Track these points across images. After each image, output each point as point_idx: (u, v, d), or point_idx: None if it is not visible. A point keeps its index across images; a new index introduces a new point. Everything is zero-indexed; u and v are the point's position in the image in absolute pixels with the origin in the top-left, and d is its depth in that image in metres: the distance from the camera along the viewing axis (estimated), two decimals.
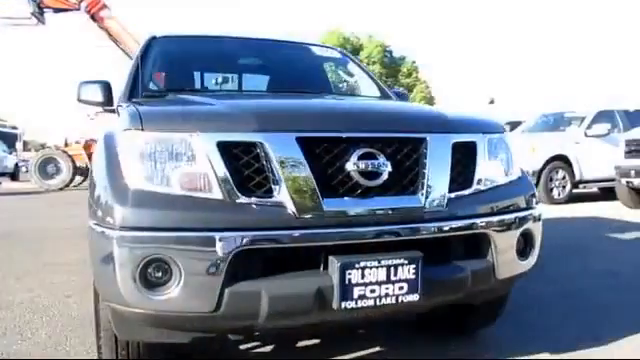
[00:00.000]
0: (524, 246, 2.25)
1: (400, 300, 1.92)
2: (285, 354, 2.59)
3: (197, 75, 3.48)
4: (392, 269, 1.90)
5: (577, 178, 9.16)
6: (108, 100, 3.03)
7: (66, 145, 15.88)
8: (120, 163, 1.93)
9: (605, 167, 8.70)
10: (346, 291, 1.85)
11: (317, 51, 3.72)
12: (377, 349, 2.64)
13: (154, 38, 3.41)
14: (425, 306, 2.07)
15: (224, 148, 1.86)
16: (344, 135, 1.96)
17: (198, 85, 3.37)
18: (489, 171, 2.23)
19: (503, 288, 2.37)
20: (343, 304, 1.85)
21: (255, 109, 2.12)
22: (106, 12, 15.68)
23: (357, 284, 1.86)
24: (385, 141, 2.01)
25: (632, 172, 7.76)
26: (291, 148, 1.88)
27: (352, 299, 1.86)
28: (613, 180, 8.48)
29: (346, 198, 1.92)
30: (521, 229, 2.21)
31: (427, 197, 2.01)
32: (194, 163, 1.87)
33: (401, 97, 3.55)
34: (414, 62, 32.47)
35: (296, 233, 1.84)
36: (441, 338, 2.76)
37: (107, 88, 3.04)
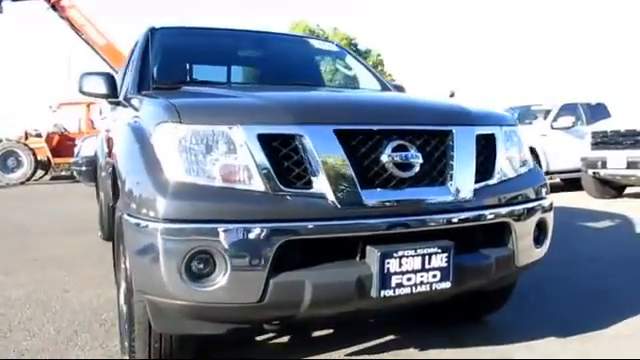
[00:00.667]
0: (539, 234, 2.36)
1: (433, 288, 2.00)
2: (297, 343, 2.63)
3: (200, 67, 3.46)
4: (426, 258, 1.97)
5: (544, 169, 9.50)
6: (113, 92, 3.00)
7: (26, 138, 15.37)
8: (157, 156, 1.93)
9: (570, 159, 9.05)
10: (385, 280, 1.91)
11: (317, 44, 3.75)
12: (391, 337, 2.70)
13: (154, 29, 3.38)
14: (453, 293, 2.15)
15: (265, 140, 1.89)
16: (378, 128, 2.02)
17: (204, 77, 3.35)
18: (507, 162, 2.32)
19: (517, 275, 2.48)
20: (382, 292, 1.91)
21: (295, 102, 2.16)
22: (67, 1, 15.18)
23: (395, 273, 1.92)
24: (415, 133, 2.08)
25: (599, 163, 8.10)
26: (330, 140, 1.92)
27: (390, 287, 1.92)
28: (579, 171, 8.82)
29: (382, 189, 1.97)
30: (537, 218, 2.32)
31: (456, 188, 2.09)
32: (235, 155, 1.88)
33: (399, 90, 3.62)
34: (379, 55, 32.77)
35: (338, 223, 1.88)
36: (453, 325, 2.84)
37: (111, 80, 3.01)
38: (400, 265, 1.93)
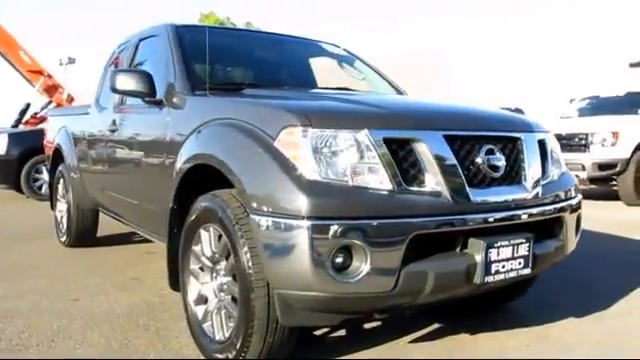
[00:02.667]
0: (577, 227, 2.79)
1: (519, 273, 2.34)
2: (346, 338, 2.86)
3: (233, 68, 3.53)
4: (515, 247, 2.30)
5: None
6: (152, 90, 3.03)
7: None
8: (288, 158, 2.07)
9: None
10: (487, 267, 2.21)
11: (329, 49, 3.99)
12: (432, 327, 3.00)
13: (179, 27, 3.42)
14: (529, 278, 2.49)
15: (389, 143, 2.11)
16: (475, 133, 2.33)
17: (241, 78, 3.44)
18: (554, 164, 2.73)
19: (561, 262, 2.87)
20: (485, 278, 2.21)
21: (413, 110, 2.41)
22: None
23: (494, 261, 2.23)
24: (499, 139, 2.42)
25: None
26: (442, 144, 2.20)
27: (491, 274, 2.23)
28: None
29: (480, 188, 2.28)
30: (577, 212, 2.76)
31: (529, 186, 2.45)
32: (364, 157, 2.09)
33: (401, 92, 3.95)
34: None
35: (454, 218, 2.16)
36: (475, 313, 3.19)
37: (149, 78, 3.04)
38: (498, 254, 2.24)
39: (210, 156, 2.38)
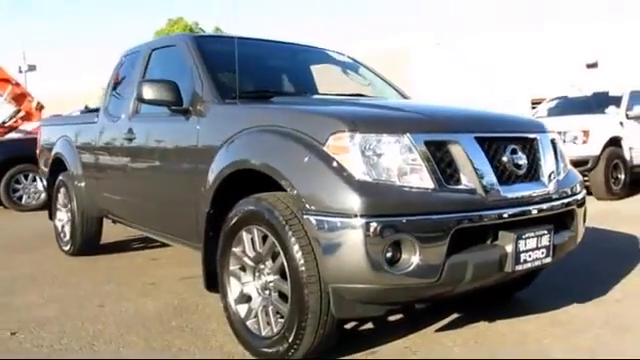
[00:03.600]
0: (584, 219, 3.05)
1: (542, 262, 2.57)
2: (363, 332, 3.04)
3: (255, 76, 3.65)
4: (539, 238, 2.53)
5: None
6: (179, 100, 3.15)
7: None
8: (339, 161, 2.24)
9: None
10: (517, 257, 2.43)
11: (336, 57, 4.17)
12: (451, 317, 3.21)
13: (197, 37, 3.55)
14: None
15: (429, 146, 2.31)
16: (500, 135, 2.55)
17: (264, 86, 3.57)
18: (562, 161, 2.98)
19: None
20: (516, 267, 2.43)
21: (448, 115, 2.62)
22: None
23: (523, 251, 2.45)
24: (519, 139, 2.65)
25: None
26: (474, 145, 2.41)
27: (520, 263, 2.45)
28: None
29: (508, 185, 2.49)
30: (584, 206, 3.01)
31: (547, 182, 2.68)
32: (408, 159, 2.28)
33: (405, 96, 4.17)
34: None
35: (488, 213, 2.37)
36: (486, 303, 3.41)
37: (176, 88, 3.15)
38: (525, 245, 2.46)
39: (259, 162, 2.52)
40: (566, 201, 2.79)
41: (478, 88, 24.30)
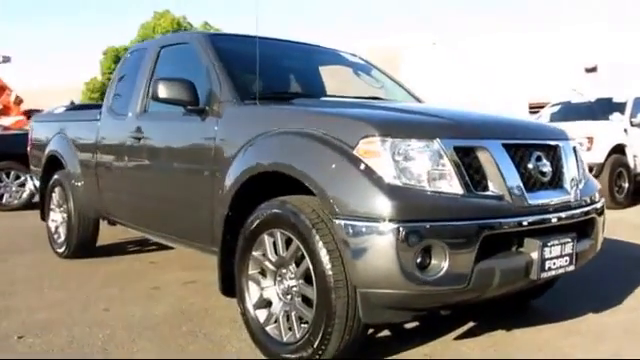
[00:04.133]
0: (603, 227, 3.16)
1: (565, 270, 2.67)
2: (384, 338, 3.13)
3: (272, 77, 3.72)
4: (563, 246, 2.63)
5: None
6: (195, 99, 3.21)
7: None
8: (370, 165, 2.33)
9: None
10: (542, 265, 2.53)
11: (349, 57, 4.27)
12: (470, 325, 3.31)
13: (212, 36, 3.61)
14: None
15: (458, 151, 2.41)
16: (525, 142, 2.66)
17: (282, 87, 3.65)
18: (582, 169, 3.09)
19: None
20: (541, 274, 2.53)
21: (477, 121, 2.71)
22: None
23: (548, 259, 2.56)
24: (543, 146, 2.76)
25: None
26: (502, 152, 2.51)
27: (545, 270, 2.55)
28: None
29: (534, 192, 2.60)
30: (603, 214, 3.12)
31: (571, 189, 2.79)
32: (438, 164, 2.37)
33: (419, 100, 4.27)
34: None
35: (515, 220, 2.47)
36: (500, 311, 3.52)
37: (193, 87, 3.22)
38: (550, 252, 2.57)
39: (285, 165, 2.59)
40: (587, 209, 2.91)
41: (475, 89, 24.60)
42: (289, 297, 2.67)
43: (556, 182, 2.77)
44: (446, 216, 2.30)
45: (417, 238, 2.22)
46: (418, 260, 2.25)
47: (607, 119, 9.35)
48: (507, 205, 2.46)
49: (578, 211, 2.81)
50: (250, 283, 2.83)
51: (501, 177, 2.47)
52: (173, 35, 3.95)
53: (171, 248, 5.40)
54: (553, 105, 10.91)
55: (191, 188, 3.37)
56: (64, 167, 4.94)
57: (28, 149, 6.02)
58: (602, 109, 9.70)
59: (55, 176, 5.13)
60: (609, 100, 9.88)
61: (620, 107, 9.57)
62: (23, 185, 9.12)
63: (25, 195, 9.11)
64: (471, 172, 2.44)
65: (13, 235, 6.54)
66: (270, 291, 2.77)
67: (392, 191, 2.27)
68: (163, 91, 3.18)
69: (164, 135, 3.67)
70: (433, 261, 2.28)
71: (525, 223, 2.49)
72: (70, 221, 4.85)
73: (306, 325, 2.55)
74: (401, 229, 2.21)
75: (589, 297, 3.82)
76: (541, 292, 3.57)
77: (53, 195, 5.21)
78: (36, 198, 9.18)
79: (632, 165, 9.03)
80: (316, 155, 2.49)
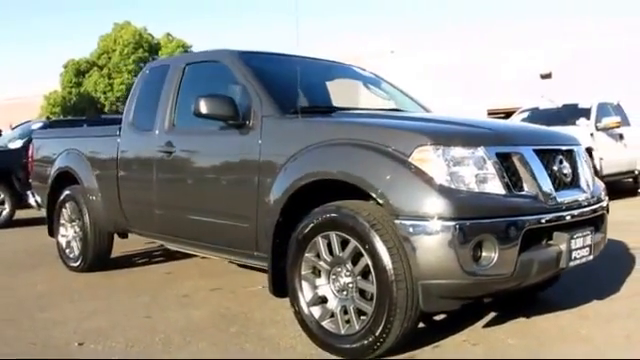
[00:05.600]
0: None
1: (586, 260, 3.08)
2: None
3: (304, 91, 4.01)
4: (584, 238, 3.04)
5: None
6: (236, 114, 3.50)
7: None
8: (425, 171, 2.67)
9: None
10: (570, 255, 2.93)
11: (361, 72, 4.63)
12: (486, 319, 3.68)
13: (243, 53, 3.91)
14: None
15: (500, 157, 2.78)
16: (550, 147, 3.06)
17: (315, 101, 3.96)
18: (591, 170, 3.53)
19: None
20: (569, 263, 2.93)
21: (510, 130, 3.12)
22: None
23: (574, 249, 2.95)
24: (564, 151, 3.17)
25: None
26: (533, 157, 2.91)
27: (571, 260, 2.95)
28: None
29: (559, 191, 3.00)
30: (608, 211, 3.56)
31: (586, 188, 3.21)
32: (484, 169, 2.74)
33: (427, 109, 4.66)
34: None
35: (549, 216, 2.86)
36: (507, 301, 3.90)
37: (233, 103, 3.51)
38: (575, 244, 2.97)
39: (343, 173, 2.91)
40: (598, 206, 3.33)
41: (435, 98, 25.41)
42: (345, 293, 2.98)
43: (575, 182, 3.19)
44: (494, 214, 2.67)
45: (472, 234, 2.58)
46: (473, 253, 2.60)
47: (574, 124, 10.02)
48: (541, 203, 2.85)
49: (593, 207, 3.23)
50: (303, 283, 3.12)
51: (534, 179, 2.86)
52: (199, 53, 4.21)
53: (180, 259, 5.67)
54: (522, 111, 11.56)
55: (234, 198, 3.63)
56: (78, 182, 5.10)
57: (29, 166, 6.11)
58: (569, 115, 10.38)
59: (66, 192, 5.27)
60: (575, 106, 10.59)
61: (586, 112, 10.29)
62: (3, 203, 9.12)
63: (5, 213, 9.10)
64: (509, 175, 2.82)
65: (8, 253, 6.60)
66: (325, 289, 3.06)
67: (447, 193, 2.63)
68: (205, 107, 3.45)
69: (201, 149, 3.93)
70: (485, 253, 2.64)
71: (557, 218, 2.89)
72: (86, 235, 5.01)
73: (365, 317, 2.86)
74: (458, 226, 2.57)
75: (587, 288, 4.22)
76: (549, 284, 3.98)
77: (63, 210, 5.34)
78: (16, 216, 9.25)
79: (599, 167, 9.69)
80: (374, 163, 2.82)
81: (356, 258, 2.90)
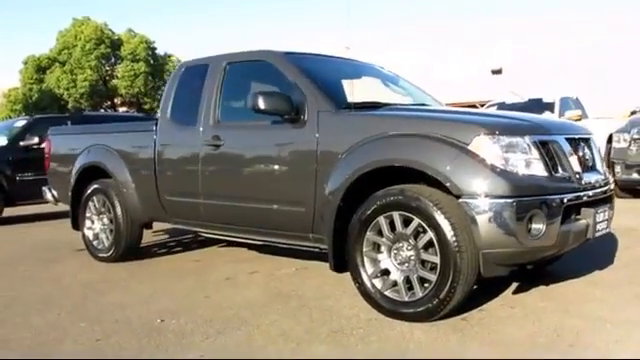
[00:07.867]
0: None
1: (606, 231, 3.63)
2: None
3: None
4: (604, 213, 3.60)
5: None
6: (292, 109, 3.88)
7: None
8: (483, 157, 3.14)
9: None
10: (595, 227, 3.46)
11: (382, 70, 5.09)
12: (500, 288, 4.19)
13: (288, 54, 4.29)
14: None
15: (541, 144, 3.29)
16: (575, 136, 3.60)
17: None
18: (601, 156, 4.09)
19: None
20: (595, 234, 3.47)
21: (546, 122, 3.62)
22: None
23: (598, 222, 3.50)
24: (584, 139, 3.72)
25: None
26: (565, 144, 3.43)
27: (596, 232, 3.49)
28: None
29: (584, 173, 3.53)
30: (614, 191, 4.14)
31: (602, 171, 3.77)
32: (529, 154, 3.23)
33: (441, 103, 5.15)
34: (180, 60, 33.01)
35: (581, 194, 3.39)
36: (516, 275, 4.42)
37: (289, 99, 3.89)
38: (598, 218, 3.51)
39: (409, 160, 3.34)
40: (610, 187, 3.90)
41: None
42: (406, 265, 3.41)
43: (594, 165, 3.74)
44: (541, 192, 3.17)
45: (526, 209, 3.08)
46: (526, 226, 3.09)
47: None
48: (573, 183, 3.38)
49: (608, 187, 3.80)
50: (365, 259, 3.53)
51: (567, 162, 3.38)
52: (239, 53, 4.51)
53: (197, 248, 5.97)
54: (490, 105, 12.28)
55: (289, 185, 4.00)
56: (107, 177, 5.33)
57: (46, 163, 6.25)
58: (534, 108, 11.14)
59: (95, 186, 5.48)
60: (540, 100, 11.38)
61: (550, 106, 11.08)
62: None
63: None
64: (548, 159, 3.32)
65: (23, 248, 6.70)
66: (386, 262, 3.49)
67: (504, 175, 3.11)
68: (263, 103, 3.81)
69: (251, 141, 4.28)
70: (535, 226, 3.13)
71: (585, 196, 3.42)
72: (118, 227, 5.25)
73: (428, 284, 3.31)
74: (516, 203, 3.05)
75: (585, 261, 4.74)
76: (555, 259, 4.52)
77: (90, 204, 5.55)
78: (4, 213, 9.23)
79: None
80: (438, 151, 3.26)
81: (416, 234, 3.34)
